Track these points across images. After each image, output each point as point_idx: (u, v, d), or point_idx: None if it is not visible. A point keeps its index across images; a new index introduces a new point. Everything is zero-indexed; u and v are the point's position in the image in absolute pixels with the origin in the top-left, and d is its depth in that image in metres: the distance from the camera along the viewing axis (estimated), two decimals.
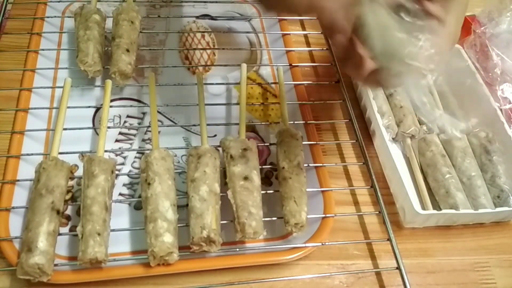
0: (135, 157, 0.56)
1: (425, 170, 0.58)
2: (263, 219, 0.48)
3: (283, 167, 0.51)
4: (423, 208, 0.55)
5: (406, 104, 0.62)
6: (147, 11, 0.71)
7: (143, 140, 0.58)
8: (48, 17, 0.66)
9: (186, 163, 0.51)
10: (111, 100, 0.56)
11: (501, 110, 0.61)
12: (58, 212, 0.45)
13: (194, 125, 0.59)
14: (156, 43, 0.68)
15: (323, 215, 0.51)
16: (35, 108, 0.56)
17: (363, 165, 0.57)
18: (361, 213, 0.55)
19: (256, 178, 0.49)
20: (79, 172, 0.53)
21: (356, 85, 0.66)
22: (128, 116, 0.60)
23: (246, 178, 0.48)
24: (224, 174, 0.50)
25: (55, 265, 0.44)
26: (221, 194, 0.49)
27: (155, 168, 0.48)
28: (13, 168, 0.51)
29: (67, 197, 0.50)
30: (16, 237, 0.46)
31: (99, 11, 0.62)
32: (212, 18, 0.72)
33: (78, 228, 0.44)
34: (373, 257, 0.52)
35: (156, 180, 0.47)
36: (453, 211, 0.52)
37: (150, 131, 0.57)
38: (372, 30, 0.38)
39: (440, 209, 0.54)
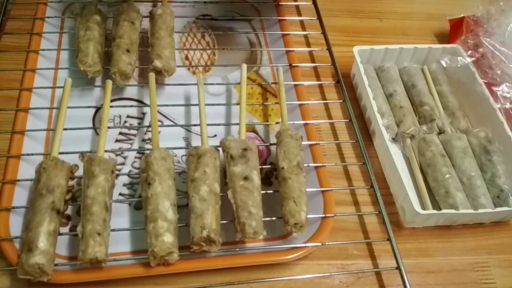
0: (135, 157, 0.56)
1: (425, 170, 0.58)
2: (263, 219, 0.48)
3: (283, 167, 0.51)
4: (423, 208, 0.55)
5: (406, 104, 0.62)
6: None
7: (143, 140, 0.58)
8: (48, 17, 0.66)
9: (186, 163, 0.51)
10: (111, 100, 0.56)
11: (501, 110, 0.61)
12: (58, 212, 0.45)
13: (194, 125, 0.59)
14: None
15: (323, 215, 0.51)
16: (35, 108, 0.56)
17: (363, 165, 0.57)
18: (361, 213, 0.55)
19: (256, 178, 0.49)
20: (79, 172, 0.53)
21: (356, 85, 0.66)
22: (128, 116, 0.60)
23: (246, 178, 0.48)
24: (224, 174, 0.50)
25: (55, 265, 0.44)
26: (221, 194, 0.49)
27: (155, 168, 0.48)
28: (13, 168, 0.51)
29: (67, 197, 0.50)
30: (16, 237, 0.46)
31: (99, 11, 0.62)
32: (212, 18, 0.72)
33: (78, 228, 0.45)
34: (373, 257, 0.52)
35: (156, 180, 0.47)
36: (453, 211, 0.52)
37: (150, 131, 0.57)
38: None
39: (440, 209, 0.54)
